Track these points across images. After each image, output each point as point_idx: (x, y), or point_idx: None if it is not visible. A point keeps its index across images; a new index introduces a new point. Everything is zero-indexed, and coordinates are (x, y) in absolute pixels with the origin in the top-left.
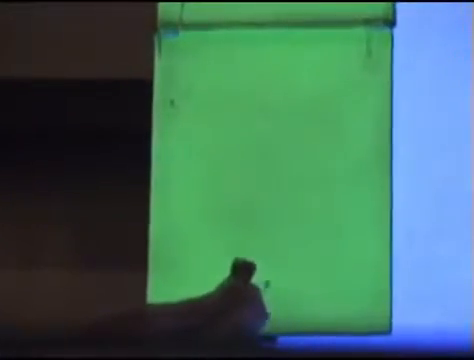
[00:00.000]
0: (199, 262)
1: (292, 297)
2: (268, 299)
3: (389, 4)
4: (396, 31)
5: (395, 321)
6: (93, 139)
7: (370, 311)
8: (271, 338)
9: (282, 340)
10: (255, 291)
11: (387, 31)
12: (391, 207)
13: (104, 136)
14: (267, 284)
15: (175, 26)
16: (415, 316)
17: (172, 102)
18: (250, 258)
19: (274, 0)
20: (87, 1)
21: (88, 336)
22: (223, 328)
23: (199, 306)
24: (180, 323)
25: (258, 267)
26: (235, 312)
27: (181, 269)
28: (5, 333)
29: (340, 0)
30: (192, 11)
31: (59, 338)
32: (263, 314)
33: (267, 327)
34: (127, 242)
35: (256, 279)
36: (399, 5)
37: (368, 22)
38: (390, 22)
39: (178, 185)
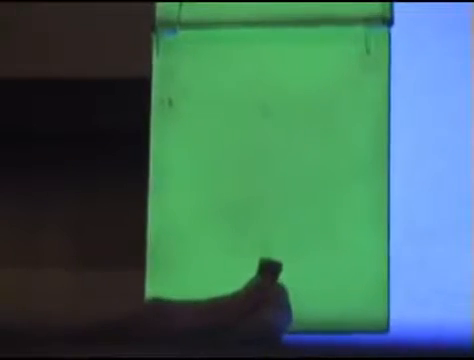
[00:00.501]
0: (197, 261)
1: (289, 295)
2: None
3: (387, 3)
4: (394, 30)
5: (393, 319)
6: (92, 139)
7: (368, 309)
8: None
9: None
10: (281, 291)
11: (385, 30)
12: (389, 206)
13: (103, 136)
14: None
15: (173, 25)
16: (413, 314)
17: (170, 101)
18: (277, 258)
19: (273, 0)
20: (84, 1)
21: (92, 335)
22: (249, 327)
23: (224, 305)
24: (202, 322)
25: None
26: (261, 311)
27: (179, 269)
28: (5, 333)
29: (338, 0)
30: (190, 10)
31: (59, 338)
32: (289, 314)
33: None
34: (127, 242)
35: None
36: (397, 4)
37: (366, 21)
38: (388, 21)
39: (176, 184)
